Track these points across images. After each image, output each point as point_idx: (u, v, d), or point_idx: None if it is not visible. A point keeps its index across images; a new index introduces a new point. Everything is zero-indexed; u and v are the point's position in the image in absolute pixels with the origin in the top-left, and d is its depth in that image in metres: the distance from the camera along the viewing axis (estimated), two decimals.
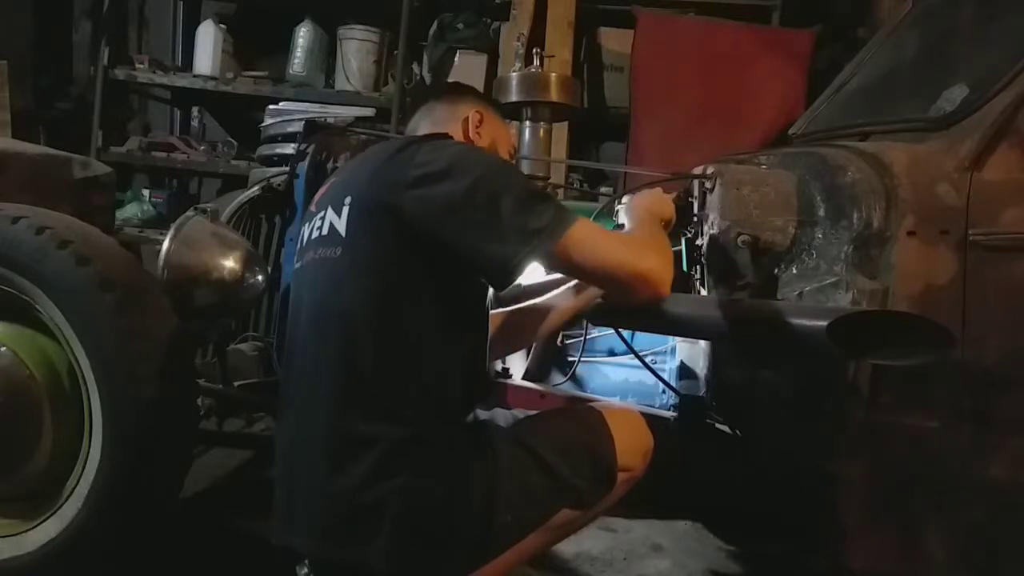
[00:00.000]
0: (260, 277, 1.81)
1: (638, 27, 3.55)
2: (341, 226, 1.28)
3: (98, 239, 1.57)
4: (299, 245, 1.41)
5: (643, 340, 2.06)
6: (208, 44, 4.04)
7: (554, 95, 2.36)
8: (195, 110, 4.47)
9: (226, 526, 1.99)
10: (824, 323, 1.12)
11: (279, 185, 2.07)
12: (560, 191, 3.00)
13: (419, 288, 1.25)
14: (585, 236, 1.24)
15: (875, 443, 1.42)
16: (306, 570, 1.26)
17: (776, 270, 1.56)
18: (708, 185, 1.63)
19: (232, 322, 2.03)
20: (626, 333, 1.94)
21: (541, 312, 1.71)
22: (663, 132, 3.47)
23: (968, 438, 1.40)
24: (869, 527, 1.44)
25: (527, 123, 2.41)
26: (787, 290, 1.53)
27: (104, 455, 1.47)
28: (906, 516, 1.44)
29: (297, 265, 1.40)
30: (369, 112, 3.85)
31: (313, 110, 3.74)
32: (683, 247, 1.68)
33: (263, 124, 3.71)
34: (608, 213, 1.77)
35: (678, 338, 2.02)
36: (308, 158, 1.97)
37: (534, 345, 2.12)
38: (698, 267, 1.71)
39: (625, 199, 1.61)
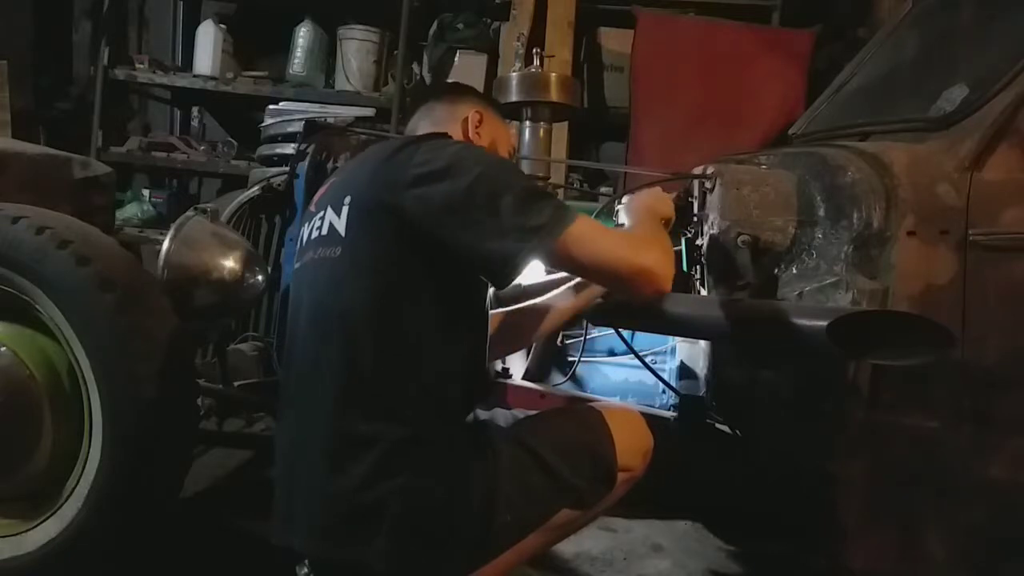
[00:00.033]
0: (260, 277, 1.81)
1: (638, 27, 3.55)
2: (341, 226, 1.28)
3: (98, 239, 1.57)
4: (299, 245, 1.41)
5: (643, 340, 2.06)
6: (208, 44, 4.04)
7: (554, 95, 2.36)
8: (195, 110, 4.47)
9: (226, 526, 1.99)
10: (824, 323, 1.12)
11: (279, 185, 2.07)
12: (560, 191, 2.99)
13: (419, 288, 1.25)
14: (585, 233, 1.24)
15: (875, 443, 1.42)
16: (306, 570, 1.26)
17: (776, 270, 1.56)
18: (708, 185, 1.63)
19: (232, 322, 2.03)
20: (626, 333, 1.94)
21: (541, 312, 1.71)
22: (663, 132, 3.47)
23: (968, 438, 1.40)
24: (869, 527, 1.44)
25: (527, 123, 2.41)
26: (787, 290, 1.53)
27: (104, 455, 1.47)
28: (906, 516, 1.44)
29: (297, 265, 1.40)
30: (369, 112, 3.85)
31: (313, 110, 3.74)
32: (683, 247, 1.68)
33: (263, 124, 3.71)
34: (608, 213, 1.77)
35: (678, 338, 2.02)
36: (308, 158, 1.97)
37: (534, 345, 2.12)
38: (698, 267, 1.72)
39: (625, 199, 1.61)
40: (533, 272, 1.92)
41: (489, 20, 3.88)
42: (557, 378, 2.18)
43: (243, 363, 1.96)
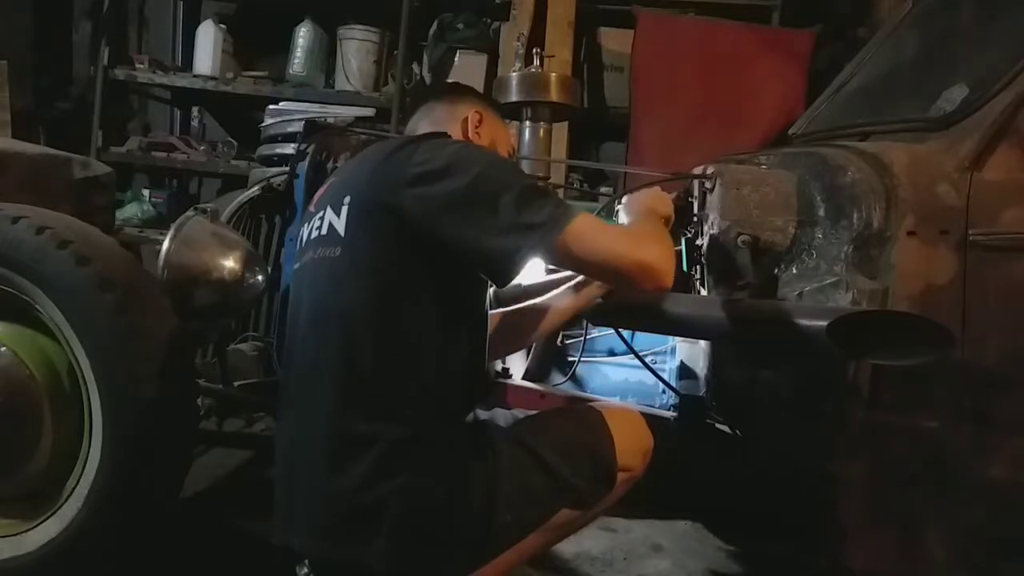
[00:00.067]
0: (260, 277, 1.81)
1: (638, 27, 3.55)
2: (340, 226, 1.28)
3: (98, 239, 1.57)
4: (298, 245, 1.41)
5: (643, 340, 2.06)
6: (208, 44, 4.04)
7: (554, 95, 2.36)
8: (195, 110, 4.47)
9: (226, 526, 1.99)
10: (824, 323, 1.12)
11: (279, 185, 2.07)
12: (560, 191, 2.99)
13: (419, 288, 1.25)
14: (586, 229, 1.23)
15: (875, 443, 1.42)
16: (306, 570, 1.26)
17: (776, 270, 1.56)
18: (708, 185, 1.63)
19: (232, 322, 2.03)
20: (626, 333, 1.94)
21: (541, 312, 1.71)
22: (663, 132, 3.47)
23: (968, 438, 1.40)
24: (869, 527, 1.44)
25: (527, 123, 2.41)
26: (787, 290, 1.53)
27: (104, 455, 1.47)
28: (906, 516, 1.44)
29: (296, 265, 1.40)
30: (369, 112, 3.84)
31: (313, 110, 3.73)
32: (683, 247, 1.68)
33: (263, 124, 3.71)
34: (608, 213, 1.77)
35: (678, 338, 2.02)
36: (308, 158, 1.97)
37: (534, 345, 2.12)
38: (698, 267, 1.71)
39: (624, 199, 1.61)
40: (533, 272, 1.92)
41: (489, 20, 3.88)
42: (557, 378, 2.18)
43: (243, 363, 1.96)
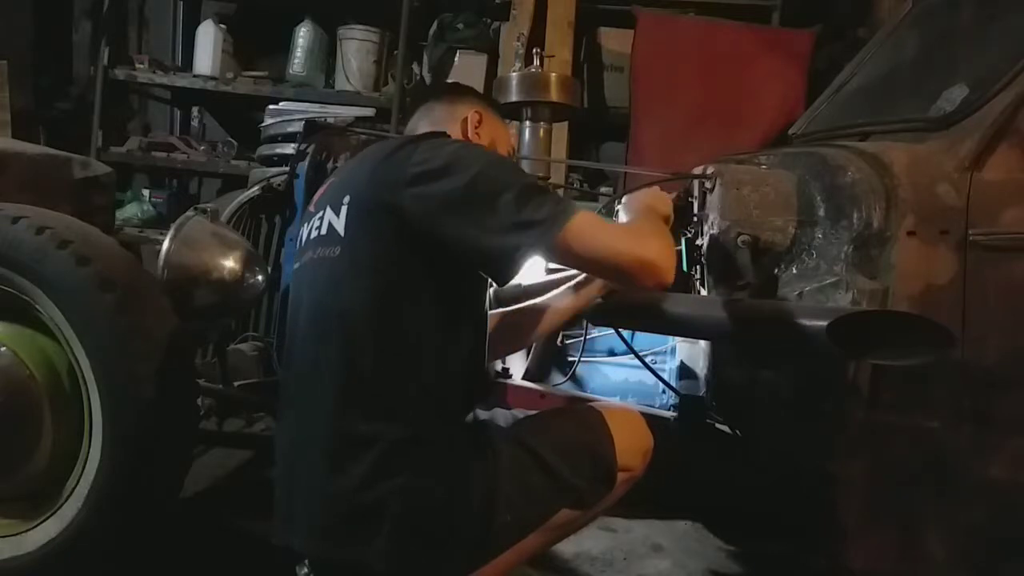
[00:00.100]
0: (260, 277, 1.81)
1: (638, 27, 3.55)
2: (340, 225, 1.28)
3: (98, 239, 1.57)
4: (298, 245, 1.41)
5: (643, 340, 2.06)
6: (208, 44, 4.04)
7: (554, 95, 2.36)
8: (195, 110, 4.47)
9: (226, 526, 1.99)
10: (824, 323, 1.12)
11: (279, 185, 2.07)
12: (560, 191, 2.99)
13: (419, 288, 1.25)
14: (585, 226, 1.23)
15: (875, 443, 1.42)
16: (306, 570, 1.26)
17: (776, 270, 1.56)
18: (708, 185, 1.63)
19: (232, 322, 2.03)
20: (626, 333, 1.94)
21: (541, 312, 1.71)
22: (663, 132, 3.46)
23: (968, 438, 1.40)
24: (869, 527, 1.44)
25: (527, 123, 2.41)
26: (787, 290, 1.53)
27: (104, 455, 1.47)
28: (906, 516, 1.44)
29: (296, 265, 1.40)
30: (369, 112, 3.84)
31: (313, 110, 3.73)
32: (683, 247, 1.68)
33: (263, 124, 3.71)
34: (608, 213, 1.77)
35: (678, 338, 2.02)
36: (308, 158, 1.97)
37: (534, 345, 2.12)
38: (698, 267, 1.71)
39: (624, 198, 1.61)
40: (533, 272, 1.92)
41: (489, 20, 3.88)
42: (557, 378, 2.18)
43: (243, 363, 1.96)
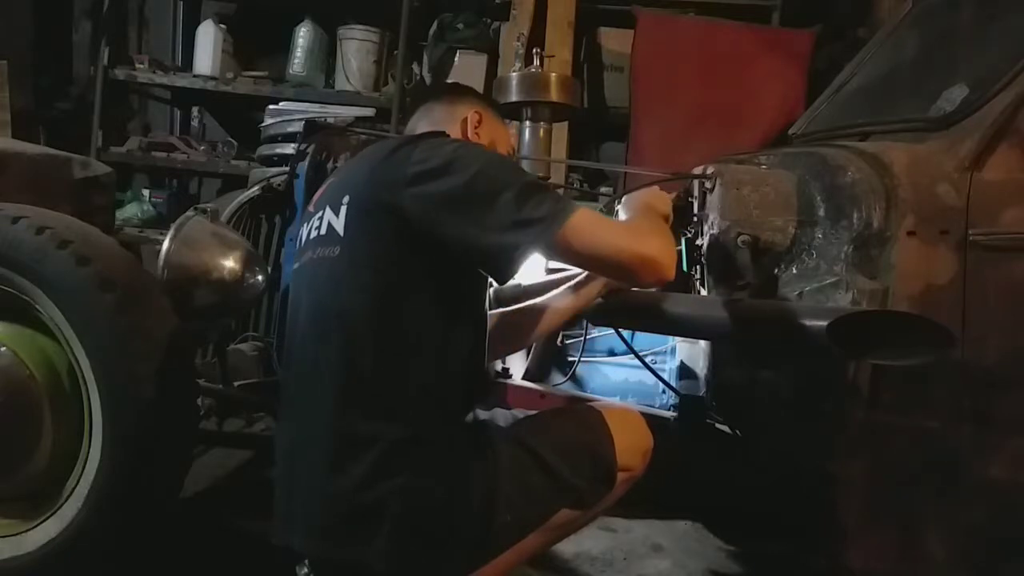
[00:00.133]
0: (260, 277, 1.81)
1: (638, 27, 3.55)
2: (339, 225, 1.28)
3: (98, 239, 1.57)
4: (297, 245, 1.41)
5: (643, 340, 2.06)
6: (208, 44, 4.04)
7: (554, 95, 2.36)
8: (195, 110, 4.47)
9: (226, 526, 1.99)
10: (824, 323, 1.12)
11: (279, 185, 2.07)
12: (560, 191, 2.99)
13: (419, 288, 1.25)
14: (585, 224, 1.23)
15: (875, 443, 1.42)
16: (306, 570, 1.27)
17: (776, 270, 1.56)
18: (708, 185, 1.63)
19: (232, 322, 2.03)
20: (626, 333, 1.94)
21: (541, 312, 1.71)
22: (663, 132, 3.46)
23: (968, 438, 1.40)
24: (869, 527, 1.44)
25: (527, 123, 2.41)
26: (787, 290, 1.53)
27: (104, 455, 1.47)
28: (906, 516, 1.44)
29: (296, 265, 1.40)
30: (369, 112, 3.84)
31: (313, 110, 3.73)
32: (683, 247, 1.68)
33: (263, 124, 3.71)
34: (608, 213, 1.77)
35: (678, 338, 2.02)
36: (308, 158, 1.97)
37: (534, 345, 2.12)
38: (698, 267, 1.71)
39: (624, 198, 1.61)
40: (533, 272, 1.92)
41: (489, 20, 3.88)
42: (557, 378, 2.18)
43: (243, 363, 1.96)
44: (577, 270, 1.68)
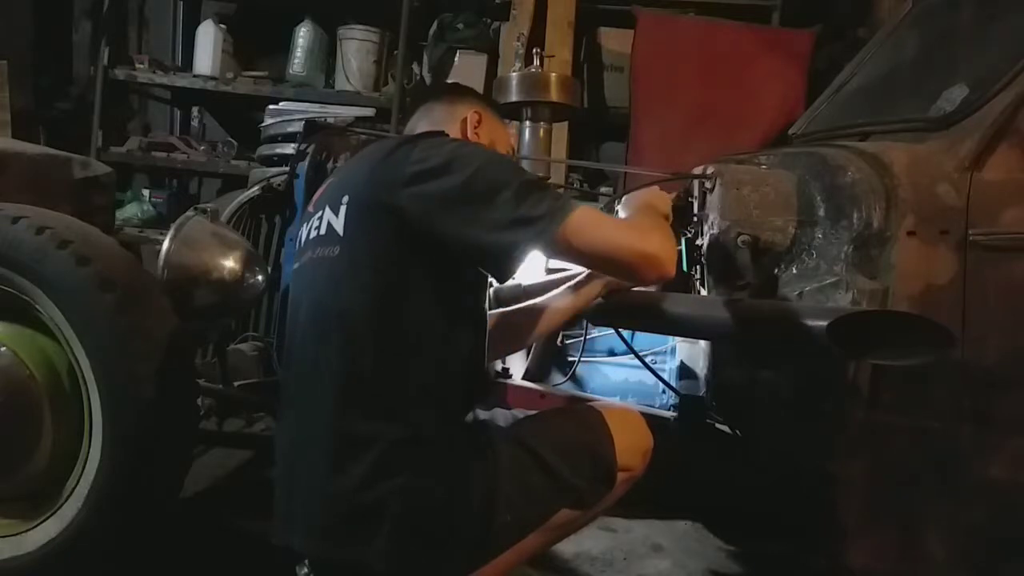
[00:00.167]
0: (260, 277, 1.81)
1: (638, 27, 3.55)
2: (339, 225, 1.28)
3: (98, 239, 1.57)
4: (297, 246, 1.41)
5: (643, 340, 2.06)
6: (208, 44, 4.04)
7: (554, 95, 2.36)
8: (195, 110, 4.47)
9: (226, 526, 1.99)
10: (824, 323, 1.12)
11: (279, 185, 2.07)
12: (560, 191, 2.99)
13: (418, 288, 1.25)
14: (585, 221, 1.23)
15: (875, 443, 1.42)
16: (306, 570, 1.26)
17: (776, 270, 1.56)
18: (708, 185, 1.63)
19: (232, 322, 2.03)
20: (626, 333, 1.94)
21: (541, 312, 1.71)
22: (663, 132, 3.46)
23: (968, 438, 1.40)
24: (869, 527, 1.44)
25: (527, 123, 2.41)
26: (787, 290, 1.53)
27: (104, 455, 1.47)
28: (906, 516, 1.44)
29: (296, 265, 1.40)
30: (369, 112, 3.84)
31: (313, 110, 3.73)
32: (683, 247, 1.68)
33: (263, 124, 3.71)
34: (608, 213, 1.77)
35: (678, 338, 2.02)
36: (308, 158, 1.97)
37: (534, 345, 2.12)
38: (698, 267, 1.71)
39: (623, 197, 1.61)
40: (533, 271, 1.92)
41: (489, 20, 3.88)
42: (557, 378, 2.18)
43: (243, 363, 1.96)
44: (577, 270, 1.68)
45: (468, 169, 1.22)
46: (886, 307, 1.36)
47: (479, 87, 3.47)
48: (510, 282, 1.82)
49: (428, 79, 3.97)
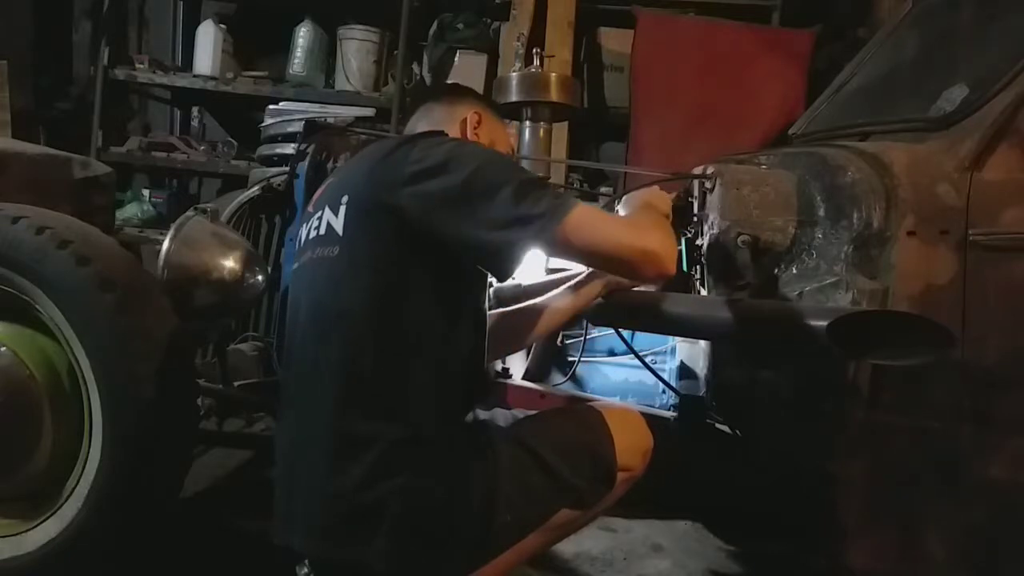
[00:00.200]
0: (260, 277, 1.81)
1: (638, 27, 3.55)
2: (338, 225, 1.28)
3: (98, 239, 1.57)
4: (297, 246, 1.41)
5: (643, 340, 2.06)
6: (208, 44, 4.04)
7: (554, 95, 2.36)
8: (195, 110, 4.47)
9: (226, 526, 1.99)
10: (824, 323, 1.12)
11: (279, 185, 2.07)
12: (560, 190, 2.99)
13: (418, 287, 1.25)
14: (585, 219, 1.23)
15: (875, 443, 1.42)
16: (306, 570, 1.26)
17: (776, 270, 1.56)
18: (708, 185, 1.63)
19: (232, 322, 2.03)
20: (626, 333, 1.94)
21: (541, 312, 1.71)
22: (663, 132, 3.46)
23: (968, 438, 1.40)
24: (869, 527, 1.44)
25: (527, 123, 2.41)
26: (787, 290, 1.53)
27: (104, 455, 1.47)
28: (906, 516, 1.44)
29: (295, 265, 1.40)
30: (369, 112, 3.84)
31: (313, 110, 3.73)
32: (683, 247, 1.68)
33: (263, 124, 3.71)
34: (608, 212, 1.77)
35: (678, 338, 2.02)
36: (308, 158, 1.97)
37: (534, 345, 2.12)
38: (698, 267, 1.71)
39: (623, 197, 1.61)
40: (533, 271, 1.92)
41: (489, 20, 3.88)
42: (557, 378, 2.18)
43: (243, 363, 1.96)
44: (577, 270, 1.68)
45: (468, 168, 1.22)
46: (886, 307, 1.36)
47: (479, 87, 3.47)
48: (510, 282, 1.82)
49: (428, 79, 3.97)
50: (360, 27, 3.98)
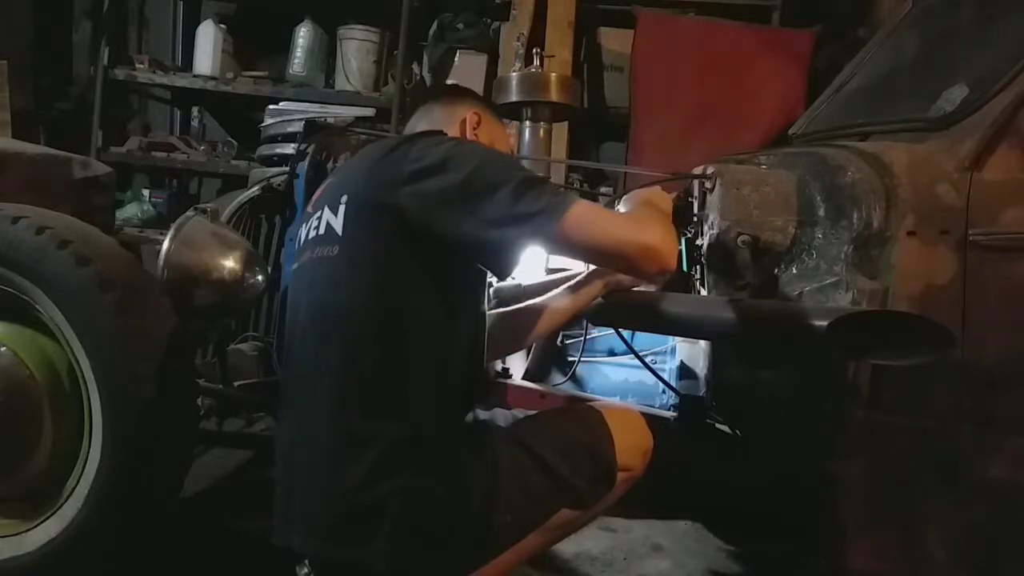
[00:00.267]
0: (260, 277, 1.81)
1: (638, 27, 3.55)
2: (338, 225, 1.28)
3: (98, 239, 1.57)
4: (297, 246, 1.41)
5: (643, 340, 2.06)
6: (208, 44, 4.04)
7: (554, 95, 2.36)
8: (195, 110, 4.47)
9: (226, 526, 1.99)
10: (824, 323, 1.12)
11: (279, 185, 2.07)
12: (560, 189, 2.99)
13: (418, 287, 1.25)
14: (585, 215, 1.23)
15: (875, 443, 1.42)
16: (306, 570, 1.26)
17: (776, 270, 1.56)
18: (708, 185, 1.63)
19: (232, 322, 2.03)
20: (626, 333, 1.94)
21: (540, 312, 1.71)
22: (663, 132, 3.46)
23: (968, 438, 1.40)
24: (869, 527, 1.44)
25: (527, 123, 2.41)
26: (787, 290, 1.53)
27: (104, 455, 1.47)
28: (906, 516, 1.44)
29: (295, 265, 1.40)
30: (369, 112, 3.85)
31: (313, 110, 3.74)
32: (683, 247, 1.68)
33: (263, 124, 3.71)
34: None
35: (678, 338, 2.02)
36: (308, 158, 1.97)
37: (534, 345, 2.12)
38: (698, 267, 1.71)
39: (624, 196, 1.61)
40: (533, 271, 1.92)
41: (489, 20, 3.88)
42: (557, 378, 2.18)
43: (243, 363, 1.96)
44: (577, 269, 1.68)
45: (467, 166, 1.22)
46: (886, 307, 1.36)
47: (479, 87, 3.48)
48: (510, 282, 1.82)
49: (428, 79, 3.97)
50: (360, 27, 3.98)
